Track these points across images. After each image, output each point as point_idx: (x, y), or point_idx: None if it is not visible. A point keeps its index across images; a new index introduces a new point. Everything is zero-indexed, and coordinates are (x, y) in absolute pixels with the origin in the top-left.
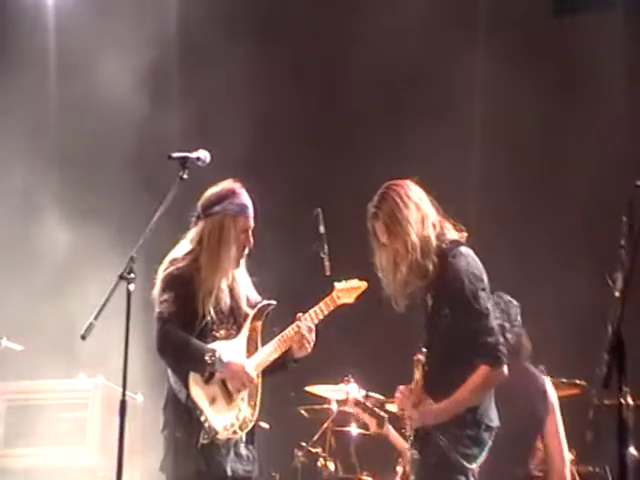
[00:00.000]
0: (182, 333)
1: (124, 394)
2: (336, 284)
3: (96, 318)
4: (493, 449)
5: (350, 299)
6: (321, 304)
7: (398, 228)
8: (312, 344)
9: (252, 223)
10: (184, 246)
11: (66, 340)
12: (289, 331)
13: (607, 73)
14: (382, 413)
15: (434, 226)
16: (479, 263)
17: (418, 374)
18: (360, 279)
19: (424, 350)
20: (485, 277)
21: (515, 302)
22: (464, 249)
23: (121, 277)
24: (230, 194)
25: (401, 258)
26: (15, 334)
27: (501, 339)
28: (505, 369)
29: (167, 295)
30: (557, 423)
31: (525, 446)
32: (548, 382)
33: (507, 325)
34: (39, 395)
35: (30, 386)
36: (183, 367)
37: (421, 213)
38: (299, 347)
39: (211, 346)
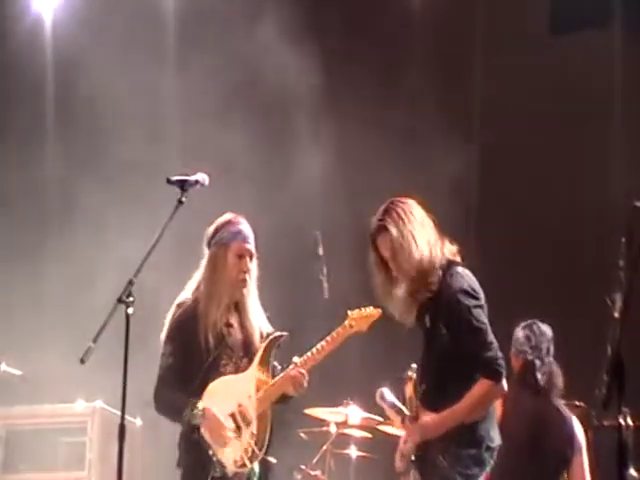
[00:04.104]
0: (168, 392)
1: (123, 418)
2: (349, 312)
3: (95, 342)
4: None
5: (364, 327)
6: (333, 333)
7: (403, 242)
8: (304, 387)
9: (248, 248)
10: (190, 287)
11: (65, 364)
12: (285, 375)
13: (605, 89)
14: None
15: (435, 246)
16: (475, 282)
17: (409, 391)
18: (375, 307)
19: (413, 366)
20: (482, 295)
21: (549, 334)
22: (460, 269)
23: (120, 301)
24: (225, 224)
25: (403, 274)
26: (14, 358)
27: (500, 354)
28: (504, 384)
29: (167, 347)
30: (583, 464)
31: None
32: (576, 422)
33: (538, 363)
34: (38, 419)
35: (29, 410)
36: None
37: (425, 231)
38: (293, 389)
39: (220, 379)
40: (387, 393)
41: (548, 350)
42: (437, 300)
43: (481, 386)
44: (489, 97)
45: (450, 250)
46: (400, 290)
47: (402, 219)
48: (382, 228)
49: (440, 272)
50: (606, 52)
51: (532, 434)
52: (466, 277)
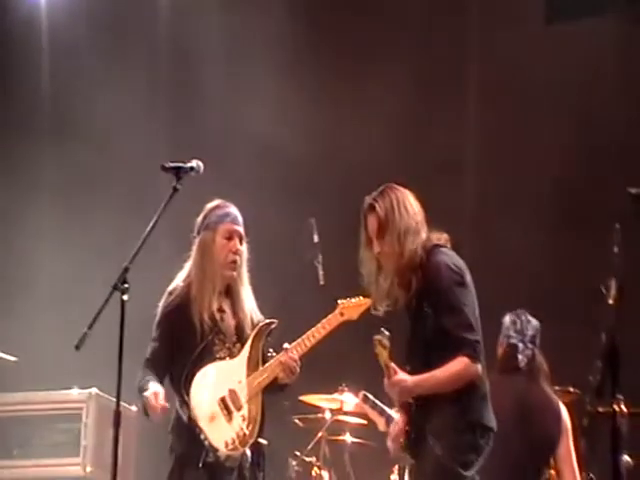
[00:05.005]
0: (141, 375)
1: (118, 405)
2: (339, 301)
3: (90, 328)
4: (506, 469)
5: (354, 316)
6: (324, 322)
7: (391, 227)
8: (296, 373)
9: (237, 229)
10: (181, 275)
11: (60, 350)
12: (275, 361)
13: (600, 79)
14: (391, 412)
15: (420, 232)
16: (460, 260)
17: (383, 355)
18: (365, 296)
19: (384, 331)
20: (465, 273)
21: (535, 322)
22: (444, 249)
23: (115, 287)
24: (213, 209)
25: (385, 260)
26: (10, 345)
27: (479, 337)
28: (480, 367)
29: (155, 333)
30: (569, 447)
31: (537, 468)
32: (562, 406)
33: (520, 346)
34: (33, 406)
35: (24, 397)
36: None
37: (416, 224)
38: (285, 375)
39: (211, 365)
40: (369, 395)
41: (533, 338)
42: (421, 280)
43: (460, 361)
44: (485, 85)
45: (441, 236)
46: (382, 278)
47: (392, 202)
48: (372, 207)
49: (424, 255)
50: (603, 40)
51: (519, 417)
52: (449, 255)
